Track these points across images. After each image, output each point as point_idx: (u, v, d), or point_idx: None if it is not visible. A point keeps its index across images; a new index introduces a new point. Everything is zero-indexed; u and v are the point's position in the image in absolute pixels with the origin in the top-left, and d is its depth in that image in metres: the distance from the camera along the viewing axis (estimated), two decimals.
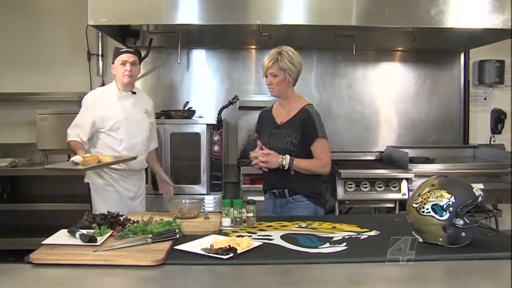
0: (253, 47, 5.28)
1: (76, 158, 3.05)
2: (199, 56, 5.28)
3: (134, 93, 3.56)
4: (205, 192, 4.52)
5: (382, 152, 5.22)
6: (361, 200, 4.42)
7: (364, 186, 4.36)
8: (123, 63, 3.42)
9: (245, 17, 4.11)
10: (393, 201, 4.40)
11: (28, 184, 5.09)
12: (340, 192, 4.34)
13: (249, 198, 4.25)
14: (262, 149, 3.06)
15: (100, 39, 5.12)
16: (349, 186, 4.34)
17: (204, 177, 4.54)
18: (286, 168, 2.97)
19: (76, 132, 3.38)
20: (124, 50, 3.50)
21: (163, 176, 3.81)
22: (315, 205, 3.05)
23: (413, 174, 4.34)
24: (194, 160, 4.51)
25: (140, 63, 3.60)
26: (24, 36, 5.09)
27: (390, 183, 4.36)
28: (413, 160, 4.56)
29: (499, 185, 4.44)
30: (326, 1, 4.14)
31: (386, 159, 5.09)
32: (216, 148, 4.54)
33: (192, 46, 5.19)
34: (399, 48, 5.32)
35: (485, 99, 5.38)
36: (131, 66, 3.43)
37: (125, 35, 4.78)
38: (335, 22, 4.20)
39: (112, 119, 3.41)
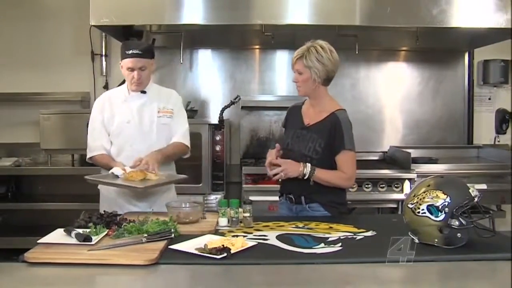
0: (256, 47, 5.27)
1: (116, 170, 2.83)
2: (202, 56, 5.28)
3: (144, 92, 3.10)
4: (207, 191, 4.53)
5: (386, 152, 5.20)
6: (364, 201, 4.40)
7: (366, 186, 4.35)
8: (130, 69, 2.99)
9: (248, 17, 4.11)
10: (396, 201, 4.38)
11: (32, 184, 5.11)
12: None
13: (250, 198, 4.33)
14: (278, 151, 2.89)
15: (104, 39, 5.14)
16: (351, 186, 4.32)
17: (206, 176, 4.54)
18: (307, 178, 2.79)
19: (100, 143, 3.07)
20: (130, 53, 2.96)
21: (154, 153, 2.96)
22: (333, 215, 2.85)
23: (416, 175, 4.33)
24: (196, 160, 4.50)
25: (152, 58, 3.08)
26: (28, 36, 5.12)
27: (393, 183, 4.36)
28: (416, 160, 4.55)
29: (503, 185, 4.42)
30: (330, 1, 4.13)
31: (389, 159, 5.07)
32: (218, 148, 4.54)
33: (195, 46, 5.19)
34: (403, 48, 5.30)
35: (489, 99, 5.34)
36: (139, 73, 2.98)
37: (128, 35, 4.79)
38: (339, 22, 4.20)
39: (113, 125, 3.06)
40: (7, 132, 5.16)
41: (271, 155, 2.90)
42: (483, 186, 4.36)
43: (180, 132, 3.16)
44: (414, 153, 4.68)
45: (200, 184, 4.53)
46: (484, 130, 5.32)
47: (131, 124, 3.06)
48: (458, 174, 4.36)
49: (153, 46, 3.09)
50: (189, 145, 3.20)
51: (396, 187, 4.34)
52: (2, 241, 4.62)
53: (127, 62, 2.99)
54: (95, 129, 3.12)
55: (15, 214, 4.98)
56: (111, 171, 2.87)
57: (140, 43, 3.11)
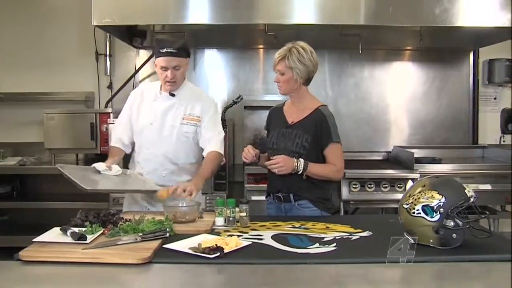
0: (260, 46, 5.27)
1: (99, 165, 2.83)
2: (205, 56, 5.28)
3: (173, 95, 3.01)
4: (210, 191, 4.53)
5: (390, 152, 5.18)
6: (366, 201, 4.38)
7: (369, 186, 4.32)
8: (163, 69, 2.90)
9: (251, 17, 4.11)
10: (399, 201, 4.34)
11: (36, 183, 5.15)
12: (345, 192, 4.31)
13: (252, 197, 4.33)
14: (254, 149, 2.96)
15: (108, 39, 5.16)
16: (354, 186, 4.31)
17: None
18: (300, 173, 2.82)
19: (119, 136, 3.09)
20: (164, 51, 2.87)
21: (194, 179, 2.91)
22: (322, 210, 2.91)
23: (419, 175, 4.29)
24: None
25: (188, 57, 2.99)
26: (33, 36, 5.16)
27: (396, 183, 4.33)
28: (419, 160, 4.52)
29: (507, 186, 4.35)
30: (334, 0, 4.12)
31: (393, 159, 5.05)
32: None
33: (198, 46, 5.20)
34: (407, 47, 5.27)
35: (495, 98, 5.30)
36: (173, 72, 2.89)
37: (132, 35, 4.82)
38: (343, 21, 4.18)
39: (138, 123, 3.04)
40: (12, 132, 5.20)
41: (250, 149, 2.96)
42: (487, 187, 4.34)
43: (216, 141, 3.05)
44: (418, 153, 4.66)
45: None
46: (489, 130, 5.28)
47: (153, 126, 3.00)
48: (462, 174, 4.33)
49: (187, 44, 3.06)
50: (223, 153, 3.09)
51: (399, 187, 4.31)
52: (7, 240, 4.65)
53: (160, 61, 2.91)
54: (120, 122, 3.14)
55: (20, 213, 5.02)
56: (93, 165, 2.85)
57: (175, 41, 2.96)
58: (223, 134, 3.10)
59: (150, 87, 3.15)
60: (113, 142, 3.14)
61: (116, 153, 3.07)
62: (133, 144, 3.13)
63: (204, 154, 3.03)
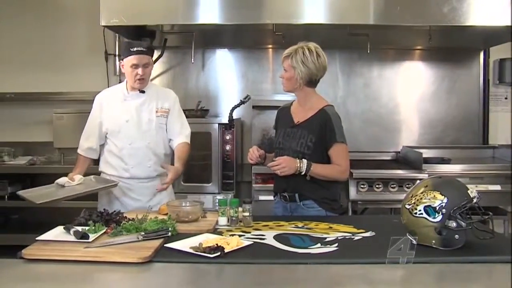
0: (269, 46, 5.26)
1: (61, 180, 2.99)
2: (213, 56, 5.28)
3: (143, 92, 3.18)
4: (217, 191, 4.54)
5: (399, 152, 5.14)
6: (374, 201, 4.36)
7: (377, 186, 4.30)
8: (134, 66, 3.06)
9: (260, 16, 4.11)
10: None
11: (47, 182, 5.14)
12: (353, 192, 4.29)
13: (260, 197, 4.34)
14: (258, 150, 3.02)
15: (117, 39, 5.18)
16: (361, 186, 4.29)
17: (216, 176, 4.55)
18: (303, 173, 2.83)
19: (87, 145, 3.23)
20: (135, 50, 3.05)
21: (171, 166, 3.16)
22: (327, 211, 2.90)
23: (427, 175, 4.25)
24: (207, 159, 4.54)
25: (152, 56, 3.24)
26: (42, 36, 5.19)
27: (404, 183, 4.29)
28: (428, 161, 4.49)
29: None
30: (342, 0, 4.10)
31: (402, 160, 5.01)
32: (228, 147, 4.56)
33: (207, 46, 5.20)
34: (416, 47, 5.22)
35: (505, 98, 5.22)
36: (143, 69, 3.07)
37: (141, 35, 4.83)
38: (352, 21, 4.17)
39: (113, 123, 3.16)
40: (23, 131, 5.24)
41: (255, 149, 3.02)
42: (497, 187, 4.30)
43: (185, 133, 3.29)
44: (428, 153, 4.62)
45: (210, 184, 4.55)
46: (501, 130, 5.20)
47: (130, 123, 3.15)
48: (472, 175, 4.31)
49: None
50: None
51: (408, 188, 4.27)
52: (17, 238, 4.69)
53: (132, 59, 3.07)
54: (89, 129, 3.27)
55: (30, 211, 5.04)
56: (56, 181, 3.03)
57: (142, 42, 3.26)
58: (189, 128, 3.34)
59: (114, 91, 3.31)
60: (82, 150, 3.27)
61: (81, 164, 3.24)
62: (101, 148, 3.26)
63: (174, 144, 3.25)
